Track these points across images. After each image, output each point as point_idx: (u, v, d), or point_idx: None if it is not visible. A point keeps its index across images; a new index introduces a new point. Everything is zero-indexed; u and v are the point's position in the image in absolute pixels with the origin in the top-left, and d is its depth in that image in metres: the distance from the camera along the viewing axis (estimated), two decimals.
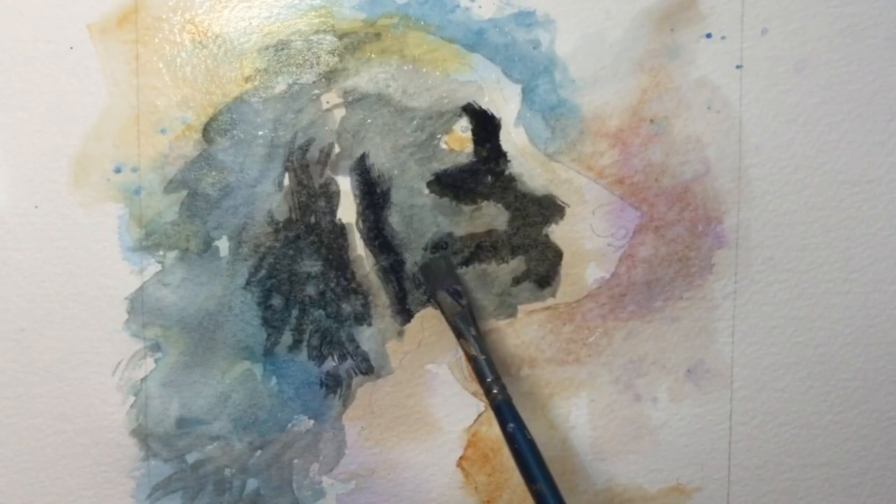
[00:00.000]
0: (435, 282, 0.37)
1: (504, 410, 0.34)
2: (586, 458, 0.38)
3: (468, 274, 0.38)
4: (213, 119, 0.37)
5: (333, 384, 0.38)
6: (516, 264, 0.38)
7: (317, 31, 0.37)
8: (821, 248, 0.38)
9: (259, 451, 0.38)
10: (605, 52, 0.37)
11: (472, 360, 0.35)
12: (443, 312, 0.36)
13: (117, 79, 0.37)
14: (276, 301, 0.38)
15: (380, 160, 0.38)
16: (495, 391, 0.34)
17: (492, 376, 0.35)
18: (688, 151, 0.37)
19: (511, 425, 0.33)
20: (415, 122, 0.37)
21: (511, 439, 0.34)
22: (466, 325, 0.35)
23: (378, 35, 0.37)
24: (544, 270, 0.38)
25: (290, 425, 0.38)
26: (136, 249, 0.38)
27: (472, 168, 0.38)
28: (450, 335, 0.38)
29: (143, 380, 0.38)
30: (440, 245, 0.38)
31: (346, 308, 0.38)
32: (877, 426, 0.38)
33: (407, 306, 0.38)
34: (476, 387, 0.38)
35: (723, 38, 0.37)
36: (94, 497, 0.38)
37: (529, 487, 0.33)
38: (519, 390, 0.38)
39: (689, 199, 0.38)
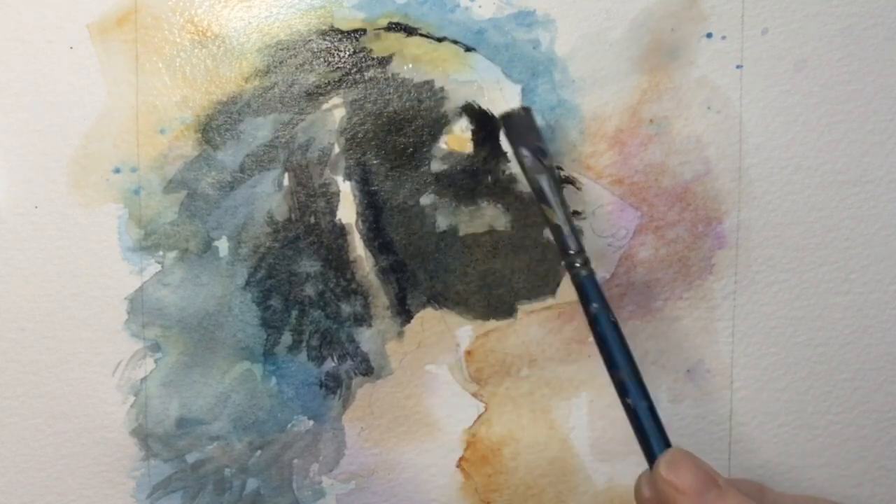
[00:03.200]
0: (517, 137, 0.34)
1: (587, 287, 0.31)
2: (586, 458, 0.38)
3: (469, 274, 0.38)
4: (212, 119, 0.37)
5: (333, 385, 0.38)
6: (517, 264, 0.38)
7: (317, 31, 0.37)
8: (821, 249, 0.38)
9: (259, 452, 0.38)
10: (605, 52, 0.37)
11: (553, 228, 0.32)
12: (524, 171, 0.33)
13: (117, 79, 0.37)
14: (276, 301, 0.38)
15: (380, 160, 0.37)
16: (578, 265, 0.32)
17: (575, 248, 0.32)
18: (688, 151, 0.37)
19: (595, 305, 0.31)
20: (415, 123, 0.37)
21: (594, 321, 0.31)
22: (552, 189, 0.32)
23: (378, 35, 0.37)
24: (544, 271, 0.38)
25: (289, 425, 0.38)
26: (136, 250, 0.38)
27: (472, 168, 0.38)
28: (450, 336, 0.38)
29: (143, 380, 0.38)
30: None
31: (346, 309, 0.38)
32: (877, 426, 0.38)
33: (407, 307, 0.38)
34: (476, 387, 0.38)
35: (723, 37, 0.37)
36: (94, 497, 0.38)
37: (611, 374, 0.31)
38: (519, 390, 0.38)
39: (689, 199, 0.38)
